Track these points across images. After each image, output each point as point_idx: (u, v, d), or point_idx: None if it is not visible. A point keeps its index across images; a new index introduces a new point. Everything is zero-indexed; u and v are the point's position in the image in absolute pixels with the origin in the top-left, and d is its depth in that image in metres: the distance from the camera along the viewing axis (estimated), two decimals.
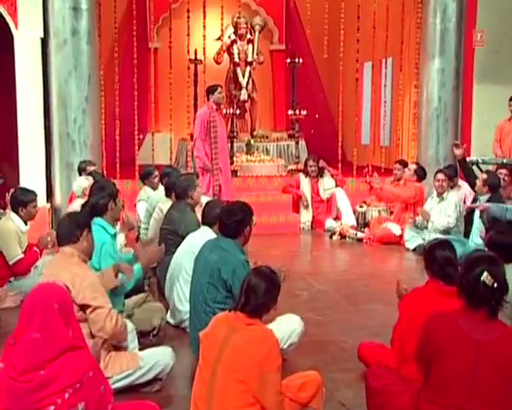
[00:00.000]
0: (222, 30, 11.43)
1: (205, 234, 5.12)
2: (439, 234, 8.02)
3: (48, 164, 9.20)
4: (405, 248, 8.31)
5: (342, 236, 8.94)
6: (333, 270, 7.17)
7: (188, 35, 10.31)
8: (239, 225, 4.26)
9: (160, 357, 3.92)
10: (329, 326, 5.18)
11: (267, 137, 11.36)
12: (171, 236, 5.69)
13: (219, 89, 8.78)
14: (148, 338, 4.62)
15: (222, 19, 11.39)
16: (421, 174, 8.78)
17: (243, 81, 11.29)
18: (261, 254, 7.92)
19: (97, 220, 4.64)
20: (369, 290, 6.28)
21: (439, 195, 8.16)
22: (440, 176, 8.15)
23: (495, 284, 3.01)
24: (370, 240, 8.69)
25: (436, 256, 3.93)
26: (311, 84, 13.47)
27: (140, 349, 4.19)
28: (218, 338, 3.20)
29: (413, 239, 8.31)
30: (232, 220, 4.25)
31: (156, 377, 3.95)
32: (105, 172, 9.52)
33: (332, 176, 9.63)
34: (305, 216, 9.70)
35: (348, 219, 9.33)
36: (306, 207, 9.68)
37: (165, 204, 6.35)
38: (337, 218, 9.47)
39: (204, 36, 10.86)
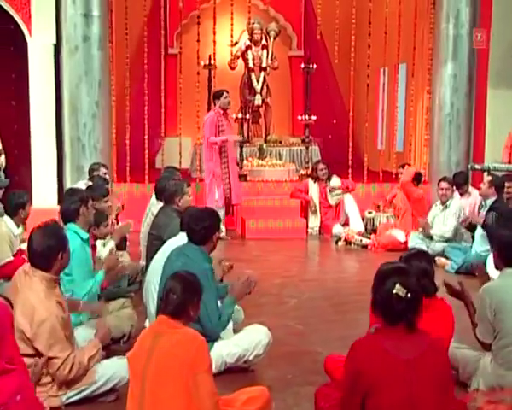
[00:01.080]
0: (231, 36, 11.25)
1: (183, 240, 4.93)
2: (443, 241, 7.72)
3: (59, 167, 9.13)
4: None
5: (347, 242, 8.66)
6: (328, 277, 6.90)
7: (198, 40, 10.17)
8: (207, 232, 4.05)
9: (115, 369, 3.73)
10: (309, 336, 4.93)
11: (280, 142, 11.12)
12: (156, 241, 5.51)
13: (225, 94, 8.64)
14: (118, 345, 4.44)
15: (232, 25, 11.24)
16: (418, 179, 8.48)
17: (257, 86, 11.07)
18: (262, 260, 7.75)
19: (70, 226, 4.49)
20: (360, 299, 5.96)
21: (443, 203, 7.83)
22: (444, 184, 7.82)
23: (408, 295, 2.76)
24: (375, 247, 8.39)
25: (412, 267, 3.68)
26: (328, 89, 13.20)
27: (107, 356, 4.00)
28: (144, 349, 3.00)
29: (418, 246, 7.93)
30: (200, 226, 4.05)
31: (112, 388, 3.76)
32: (115, 175, 9.42)
33: (346, 189, 9.28)
34: (314, 221, 9.44)
35: (356, 225, 9.05)
36: (314, 212, 9.42)
37: (157, 208, 6.18)
38: (345, 224, 9.19)
39: (214, 41, 10.74)
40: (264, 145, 10.44)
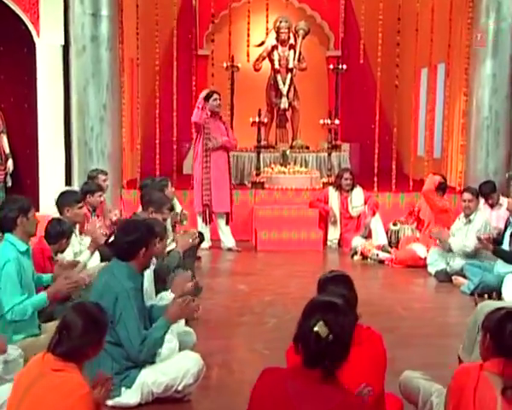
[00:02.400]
0: (267, 34, 11.00)
1: None
2: (464, 258, 7.18)
3: (67, 171, 9.08)
4: (428, 272, 7.48)
5: (364, 256, 8.22)
6: None
7: (229, 40, 9.88)
8: (131, 247, 3.77)
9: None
10: (268, 363, 4.55)
11: (307, 148, 10.74)
12: None
13: (214, 95, 8.45)
14: None
15: (267, 22, 10.99)
16: (443, 188, 7.95)
17: (284, 89, 10.74)
18: (263, 274, 7.47)
19: (7, 236, 4.31)
20: None
21: (467, 216, 7.29)
22: (466, 195, 7.29)
23: (330, 337, 2.39)
24: (392, 262, 7.92)
25: (329, 293, 3.30)
26: (367, 91, 12.71)
27: None
28: (24, 384, 2.74)
29: (436, 263, 7.49)
30: (124, 240, 3.77)
31: None
32: (124, 181, 9.29)
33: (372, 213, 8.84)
34: (333, 233, 9.04)
35: (379, 239, 8.59)
36: (334, 223, 9.01)
37: None
38: (369, 236, 8.74)
39: (248, 41, 10.54)
40: (288, 151, 10.09)
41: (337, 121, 9.77)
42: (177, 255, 5.54)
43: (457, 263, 7.11)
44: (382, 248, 8.33)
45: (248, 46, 10.41)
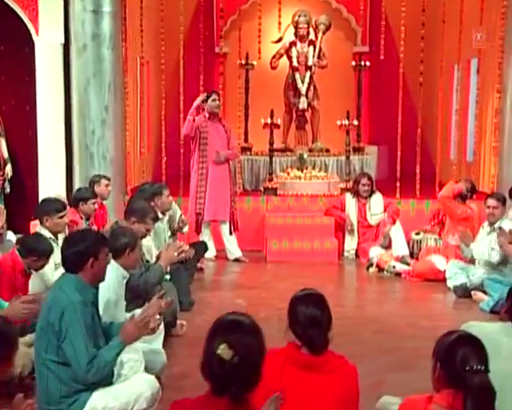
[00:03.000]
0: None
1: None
2: (487, 270, 6.90)
3: (69, 177, 9.06)
4: (447, 286, 7.22)
5: (380, 268, 7.99)
6: None
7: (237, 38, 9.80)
8: (78, 258, 3.64)
9: None
10: None
11: (327, 151, 10.54)
12: None
13: (213, 95, 8.34)
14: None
15: (279, 16, 10.87)
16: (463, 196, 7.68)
17: (302, 88, 10.57)
18: (267, 287, 7.37)
19: None
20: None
21: (491, 224, 7.00)
22: (491, 202, 7.01)
23: (235, 359, 2.26)
24: (409, 275, 7.68)
25: (298, 314, 3.13)
26: (397, 89, 12.43)
27: None
28: None
29: (456, 276, 7.22)
30: (69, 251, 3.66)
31: None
32: (128, 187, 9.24)
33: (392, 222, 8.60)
34: (350, 243, 8.83)
35: (399, 249, 8.36)
36: (351, 232, 8.81)
37: None
38: (388, 247, 8.50)
39: (259, 37, 10.43)
40: (306, 155, 9.92)
41: (355, 122, 9.52)
42: (159, 270, 5.42)
43: (477, 277, 6.85)
44: (401, 260, 8.10)
45: (260, 42, 10.25)
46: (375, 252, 8.36)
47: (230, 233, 8.52)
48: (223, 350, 2.28)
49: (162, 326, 4.90)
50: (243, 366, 2.28)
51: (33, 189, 9.06)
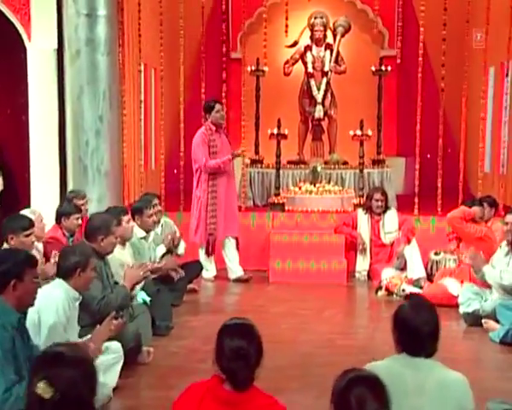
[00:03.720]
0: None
1: (54, 288, 4.54)
2: (502, 295, 6.62)
3: (63, 191, 9.08)
4: (459, 313, 6.96)
5: (390, 292, 7.76)
6: (315, 339, 6.14)
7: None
8: (1, 278, 3.59)
9: None
10: None
11: (345, 163, 10.35)
12: None
13: (217, 106, 8.21)
14: None
15: (287, 18, 10.80)
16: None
17: (318, 95, 10.43)
18: (259, 311, 7.16)
19: None
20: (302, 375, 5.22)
21: (510, 244, 6.73)
22: (510, 217, 6.73)
23: (56, 396, 2.17)
24: None
25: (223, 345, 3.01)
26: (427, 97, 12.19)
27: None
28: None
29: (469, 302, 6.93)
30: None
31: None
32: (126, 202, 9.21)
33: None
34: (362, 264, 8.63)
35: (415, 271, 8.12)
36: (363, 252, 8.60)
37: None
38: (404, 268, 8.27)
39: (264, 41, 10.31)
40: (319, 167, 9.74)
41: (369, 132, 9.30)
42: (123, 291, 5.33)
43: (490, 303, 6.57)
44: (414, 283, 7.86)
45: (265, 47, 10.12)
46: (388, 274, 8.14)
47: (238, 248, 8.43)
48: (41, 388, 2.17)
49: (119, 355, 4.82)
50: (69, 405, 2.15)
51: (26, 202, 9.09)
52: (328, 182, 9.92)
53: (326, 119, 10.58)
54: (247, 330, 3.02)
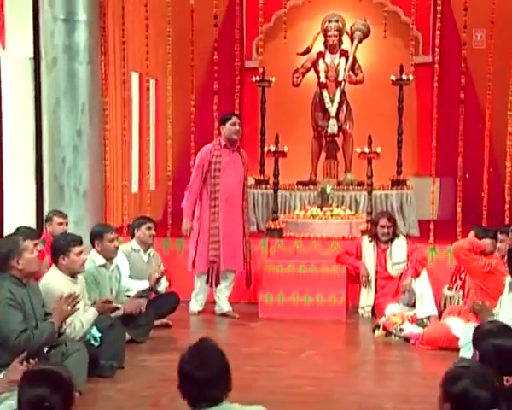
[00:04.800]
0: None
1: None
2: None
3: (40, 212, 9.08)
4: (459, 358, 6.58)
5: (387, 331, 7.44)
6: (264, 385, 5.88)
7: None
8: None
9: None
10: None
11: (360, 184, 10.06)
12: None
13: (234, 118, 7.92)
14: None
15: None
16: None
17: (332, 108, 10.21)
18: (230, 352, 6.85)
19: None
20: None
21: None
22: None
23: None
24: (419, 341, 7.09)
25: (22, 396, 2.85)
26: (466, 111, 11.81)
27: None
28: None
29: (470, 345, 6.53)
30: None
31: None
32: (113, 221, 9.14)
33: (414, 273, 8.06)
34: (366, 298, 8.30)
35: (425, 308, 7.78)
36: (368, 285, 8.28)
37: None
38: (414, 304, 7.96)
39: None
40: (329, 188, 9.48)
41: (379, 149, 8.99)
42: (48, 327, 5.19)
43: None
44: (418, 322, 7.52)
45: (259, 49, 9.95)
46: (392, 310, 7.82)
47: (248, 285, 8.24)
48: None
49: None
50: None
51: None
52: (341, 205, 9.67)
53: (341, 134, 10.30)
54: (51, 376, 2.81)
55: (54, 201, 8.77)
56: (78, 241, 6.05)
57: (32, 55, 8.96)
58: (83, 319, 5.80)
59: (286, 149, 9.07)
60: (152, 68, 9.95)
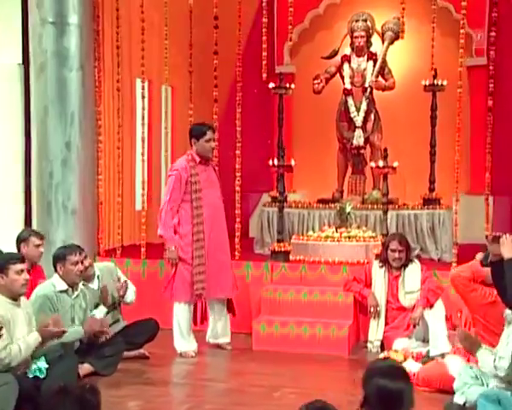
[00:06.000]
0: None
1: None
2: (498, 382, 6.01)
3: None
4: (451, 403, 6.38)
5: None
6: None
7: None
8: None
9: None
10: None
11: (388, 203, 9.86)
12: None
13: (209, 134, 7.75)
14: None
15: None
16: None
17: (357, 118, 10.10)
18: (200, 385, 6.94)
19: None
20: None
21: None
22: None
23: None
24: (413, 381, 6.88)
25: None
26: None
27: None
28: None
29: (465, 388, 6.31)
30: None
31: None
32: (101, 246, 9.26)
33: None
34: (375, 331, 8.12)
35: (438, 345, 7.56)
36: (377, 316, 8.11)
37: None
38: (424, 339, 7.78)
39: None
40: (349, 207, 9.35)
41: (395, 164, 8.82)
42: None
43: (474, 391, 5.98)
44: (423, 360, 7.33)
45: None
46: (400, 345, 7.65)
47: (233, 313, 8.17)
48: None
49: None
50: None
51: None
52: (364, 225, 9.53)
53: (368, 146, 10.18)
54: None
55: (41, 218, 8.93)
56: (19, 259, 6.12)
57: (20, 61, 9.14)
58: (21, 344, 5.79)
59: (293, 163, 8.99)
60: (164, 75, 10.01)
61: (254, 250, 10.16)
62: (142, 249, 9.16)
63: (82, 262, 7.06)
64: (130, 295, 7.67)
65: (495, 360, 5.84)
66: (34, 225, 9.06)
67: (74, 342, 6.81)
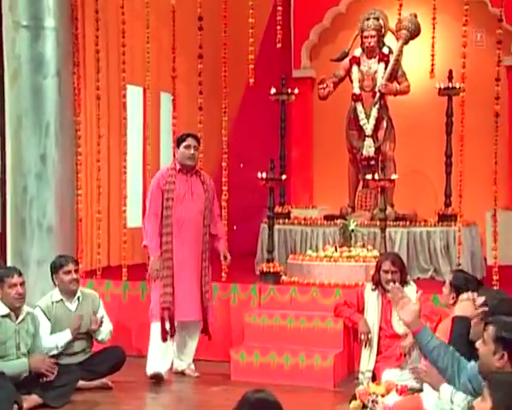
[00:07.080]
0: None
1: None
2: None
3: (3, 249, 9.40)
4: None
5: (363, 403, 7.17)
6: None
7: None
8: None
9: None
10: None
11: (398, 220, 9.76)
12: None
13: (188, 140, 7.89)
14: None
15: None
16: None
17: (367, 126, 10.00)
18: None
19: None
20: None
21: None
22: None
23: None
24: None
25: None
26: None
27: None
28: None
29: None
30: None
31: None
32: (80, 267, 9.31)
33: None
34: (367, 361, 7.97)
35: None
36: (369, 344, 7.99)
37: None
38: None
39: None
40: (353, 224, 9.27)
41: (394, 176, 8.69)
42: None
43: None
44: (407, 393, 7.19)
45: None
46: (389, 377, 7.51)
47: (208, 337, 8.20)
48: None
49: None
50: None
51: None
52: (371, 244, 9.42)
53: (380, 157, 10.08)
54: None
55: (15, 236, 9.05)
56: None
57: None
58: None
59: (284, 177, 8.95)
60: (165, 82, 10.08)
61: (256, 271, 10.10)
62: (124, 270, 9.16)
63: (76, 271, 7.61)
64: (103, 334, 7.74)
65: (451, 393, 5.70)
66: (8, 243, 9.17)
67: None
